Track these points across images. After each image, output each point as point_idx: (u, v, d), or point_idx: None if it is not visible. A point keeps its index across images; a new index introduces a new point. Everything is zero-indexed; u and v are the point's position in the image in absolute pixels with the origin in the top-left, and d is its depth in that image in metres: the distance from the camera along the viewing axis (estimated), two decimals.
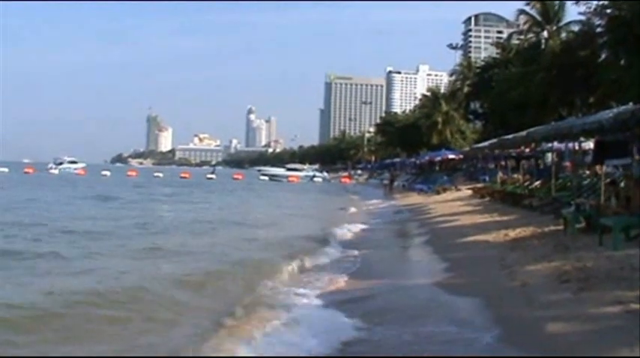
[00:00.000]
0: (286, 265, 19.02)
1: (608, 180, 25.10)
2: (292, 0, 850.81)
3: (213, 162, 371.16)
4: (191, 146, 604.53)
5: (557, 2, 69.85)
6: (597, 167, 27.07)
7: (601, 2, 51.53)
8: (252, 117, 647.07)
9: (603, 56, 56.79)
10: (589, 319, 10.38)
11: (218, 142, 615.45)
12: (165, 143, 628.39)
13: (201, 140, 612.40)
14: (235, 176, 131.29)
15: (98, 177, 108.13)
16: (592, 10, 53.89)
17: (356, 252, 22.85)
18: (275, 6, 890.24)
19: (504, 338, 10.55)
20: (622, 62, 52.65)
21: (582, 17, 58.67)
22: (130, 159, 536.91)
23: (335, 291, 15.89)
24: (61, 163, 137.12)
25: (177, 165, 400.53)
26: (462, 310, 12.90)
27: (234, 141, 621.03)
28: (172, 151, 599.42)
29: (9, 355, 10.48)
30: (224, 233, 29.53)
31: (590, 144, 31.97)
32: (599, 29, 54.96)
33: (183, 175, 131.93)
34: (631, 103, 19.51)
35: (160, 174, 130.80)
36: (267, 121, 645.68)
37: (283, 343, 11.02)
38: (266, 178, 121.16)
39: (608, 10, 51.30)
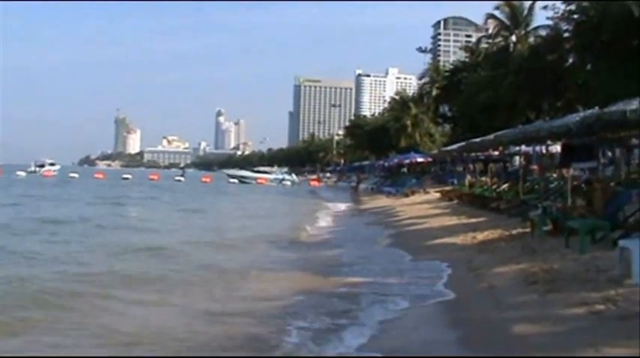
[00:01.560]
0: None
1: (575, 183, 25.33)
2: (261, 0, 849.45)
3: (182, 165, 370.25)
4: (159, 148, 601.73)
5: (526, 7, 70.43)
6: (564, 170, 27.27)
7: (568, 8, 52.08)
8: (221, 119, 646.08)
9: (570, 61, 57.29)
10: (555, 320, 10.46)
11: (187, 145, 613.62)
12: (134, 145, 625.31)
13: (169, 142, 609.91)
14: (204, 179, 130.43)
15: (68, 180, 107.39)
16: (559, 15, 54.40)
17: (325, 253, 22.90)
18: (244, 8, 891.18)
19: (469, 340, 10.62)
20: (589, 67, 53.14)
21: (550, 22, 59.22)
22: (97, 161, 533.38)
23: (304, 291, 15.80)
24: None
25: (145, 168, 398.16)
26: (429, 312, 12.97)
27: (203, 144, 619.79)
28: (141, 153, 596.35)
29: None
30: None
31: (557, 148, 32.19)
32: (566, 34, 55.44)
33: (151, 177, 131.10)
34: (597, 107, 19.66)
35: (129, 176, 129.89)
36: (236, 124, 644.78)
37: None
38: (235, 181, 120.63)
39: (576, 16, 51.79)
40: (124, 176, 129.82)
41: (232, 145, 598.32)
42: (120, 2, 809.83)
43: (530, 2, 70.07)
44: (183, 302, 14.50)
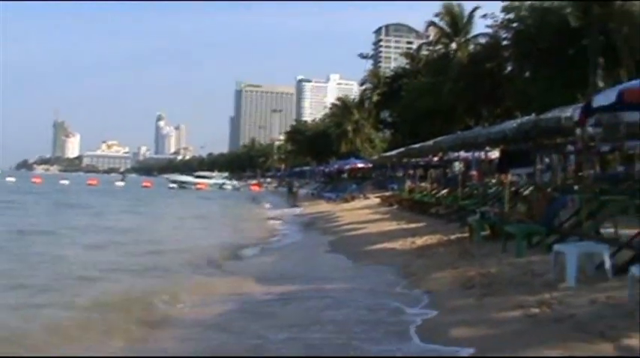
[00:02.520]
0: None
1: (514, 188, 25.64)
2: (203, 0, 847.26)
3: (122, 169, 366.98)
4: (99, 152, 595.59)
5: (466, 15, 71.24)
6: (503, 176, 27.56)
7: (507, 17, 52.92)
8: (162, 124, 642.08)
9: (509, 68, 58.21)
10: (492, 323, 10.55)
11: (127, 149, 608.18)
12: (73, 149, 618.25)
13: (109, 147, 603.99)
14: (144, 184, 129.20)
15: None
16: (498, 23, 55.27)
17: (262, 259, 22.74)
18: (186, 11, 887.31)
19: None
20: (527, 74, 54.04)
21: (489, 30, 60.11)
22: (35, 166, 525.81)
23: (241, 294, 15.62)
24: None
25: (84, 172, 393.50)
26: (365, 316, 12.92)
27: (143, 148, 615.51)
28: (79, 158, 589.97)
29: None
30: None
31: (496, 153, 32.57)
32: (505, 42, 56.35)
33: (90, 182, 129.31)
34: (533, 114, 19.97)
35: (66, 182, 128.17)
36: (177, 128, 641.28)
37: None
38: (175, 186, 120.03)
39: (514, 25, 52.65)
40: (62, 181, 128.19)
41: (173, 150, 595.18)
42: (59, 2, 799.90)
43: (470, 10, 70.98)
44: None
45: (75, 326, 12.37)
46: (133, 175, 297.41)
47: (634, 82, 13.11)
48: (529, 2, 51.83)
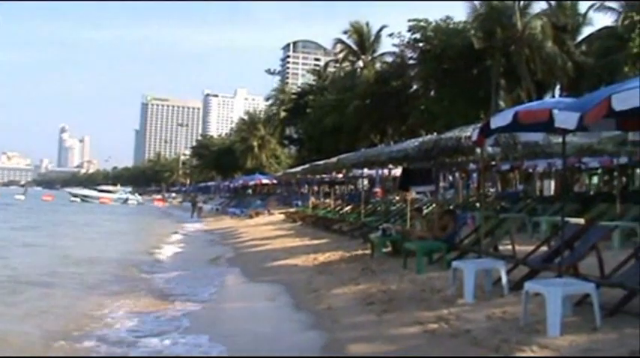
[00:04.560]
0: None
1: (416, 206, 25.94)
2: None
3: (22, 182, 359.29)
4: None
5: (373, 33, 72.13)
6: (407, 193, 27.83)
7: (413, 36, 53.77)
8: (65, 136, 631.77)
9: (415, 87, 59.13)
10: (390, 339, 10.63)
11: (28, 161, 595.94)
12: None
13: (9, 158, 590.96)
14: (45, 197, 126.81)
15: None
16: (405, 42, 56.07)
17: (160, 276, 22.34)
18: (92, 22, 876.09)
19: None
20: (432, 93, 55.03)
21: (396, 49, 60.89)
22: None
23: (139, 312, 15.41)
24: None
25: None
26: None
27: (46, 161, 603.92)
28: None
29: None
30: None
31: (400, 171, 32.92)
32: (411, 61, 57.21)
33: None
34: (435, 133, 20.25)
35: None
36: (81, 141, 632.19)
37: None
38: (77, 200, 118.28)
39: (420, 44, 53.53)
40: None
41: (76, 163, 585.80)
42: None
43: (377, 29, 71.89)
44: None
45: None
46: (38, 188, 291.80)
47: (529, 104, 13.45)
48: (435, 23, 52.86)
